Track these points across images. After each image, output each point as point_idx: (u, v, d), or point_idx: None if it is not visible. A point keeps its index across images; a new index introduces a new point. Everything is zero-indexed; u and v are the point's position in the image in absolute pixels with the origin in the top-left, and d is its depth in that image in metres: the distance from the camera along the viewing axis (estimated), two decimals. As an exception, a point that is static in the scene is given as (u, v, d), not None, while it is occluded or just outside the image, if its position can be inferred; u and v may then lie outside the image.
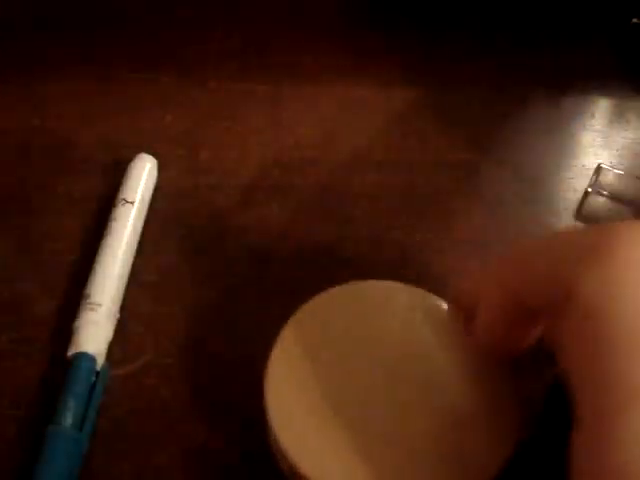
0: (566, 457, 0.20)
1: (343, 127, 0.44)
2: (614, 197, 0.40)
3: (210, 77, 0.46)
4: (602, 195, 0.40)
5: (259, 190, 0.39)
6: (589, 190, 0.40)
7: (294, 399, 0.26)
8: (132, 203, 0.35)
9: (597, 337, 0.20)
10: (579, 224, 0.39)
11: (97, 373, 0.30)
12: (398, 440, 0.25)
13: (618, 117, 0.45)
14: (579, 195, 0.40)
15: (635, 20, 0.50)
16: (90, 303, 0.31)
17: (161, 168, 0.39)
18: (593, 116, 0.46)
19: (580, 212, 0.39)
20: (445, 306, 0.29)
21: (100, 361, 0.30)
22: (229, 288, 0.34)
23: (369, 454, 0.25)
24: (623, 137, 0.44)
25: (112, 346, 0.31)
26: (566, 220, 0.39)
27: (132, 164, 0.38)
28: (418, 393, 0.26)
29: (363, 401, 0.26)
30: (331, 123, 0.44)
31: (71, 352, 0.30)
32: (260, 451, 0.29)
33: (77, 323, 0.31)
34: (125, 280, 0.33)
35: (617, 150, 0.43)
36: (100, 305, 0.31)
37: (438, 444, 0.25)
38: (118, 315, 0.32)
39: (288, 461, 0.25)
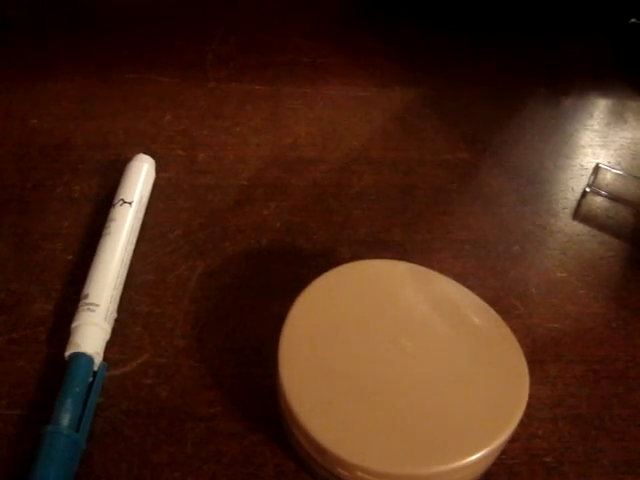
0: None
1: (342, 127, 0.44)
2: (612, 197, 0.40)
3: (209, 77, 0.47)
4: (600, 195, 0.40)
5: (257, 190, 0.39)
6: (587, 190, 0.40)
7: (307, 367, 0.27)
8: (130, 203, 0.35)
9: None
10: (577, 224, 0.39)
11: (94, 373, 0.30)
12: (403, 407, 0.26)
13: (616, 117, 0.45)
14: (577, 195, 0.40)
15: (634, 20, 0.50)
16: (88, 303, 0.31)
17: (159, 168, 0.39)
18: (591, 116, 0.46)
19: (578, 212, 0.39)
20: (446, 280, 0.31)
21: (98, 361, 0.30)
22: (227, 288, 0.34)
23: (376, 421, 0.26)
24: (621, 137, 0.44)
25: (110, 346, 0.31)
26: (564, 220, 0.39)
27: (130, 164, 0.38)
28: (425, 360, 0.28)
29: (372, 369, 0.27)
30: (330, 123, 0.44)
31: (68, 352, 0.30)
32: (261, 450, 0.29)
33: (75, 323, 0.31)
34: (123, 280, 0.33)
35: (615, 150, 0.43)
36: (98, 305, 0.31)
37: (443, 411, 0.26)
38: (116, 315, 0.32)
39: (305, 433, 0.26)
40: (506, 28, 0.53)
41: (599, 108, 0.46)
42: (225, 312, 0.33)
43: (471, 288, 0.30)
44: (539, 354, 0.32)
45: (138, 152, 0.39)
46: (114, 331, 0.32)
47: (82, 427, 0.28)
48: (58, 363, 0.30)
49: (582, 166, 0.42)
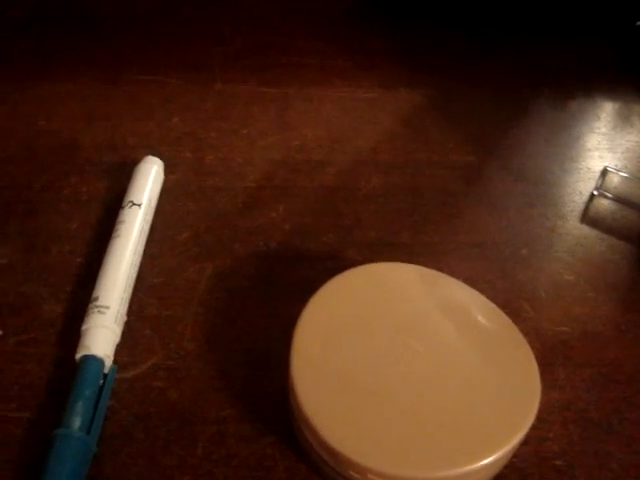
0: None
1: (348, 129, 0.44)
2: (620, 200, 0.40)
3: (216, 79, 0.47)
4: (608, 198, 0.40)
5: (265, 192, 0.39)
6: (595, 193, 0.40)
7: (318, 370, 0.27)
8: (139, 205, 0.35)
9: None
10: (585, 227, 0.39)
11: (105, 376, 0.30)
12: (415, 410, 0.26)
13: (623, 120, 0.45)
14: (585, 198, 0.40)
15: (639, 23, 0.50)
16: (98, 306, 0.31)
17: (167, 170, 0.39)
18: (598, 119, 0.46)
19: (586, 215, 0.39)
20: (456, 283, 0.31)
21: (108, 364, 0.30)
22: (236, 290, 0.34)
23: (388, 424, 0.26)
24: (628, 140, 0.44)
25: (119, 349, 0.31)
26: (572, 223, 0.39)
27: (139, 166, 0.38)
28: (436, 363, 0.28)
29: (384, 372, 0.27)
30: (336, 125, 0.44)
31: (79, 355, 0.30)
32: (271, 453, 0.29)
33: (85, 326, 0.31)
34: (132, 282, 0.33)
35: (622, 153, 0.43)
36: (108, 308, 0.31)
37: (454, 414, 0.26)
38: (126, 318, 0.32)
39: (315, 435, 0.26)
40: (513, 30, 0.53)
41: (606, 111, 0.46)
42: (234, 314, 0.33)
43: (479, 291, 0.30)
44: (548, 357, 0.32)
45: (145, 154, 0.39)
46: (124, 334, 0.32)
47: (93, 430, 0.28)
48: (68, 366, 0.30)
49: (589, 169, 0.42)
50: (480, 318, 0.29)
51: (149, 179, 0.37)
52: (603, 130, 0.45)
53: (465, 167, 0.42)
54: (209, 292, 0.34)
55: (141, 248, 0.35)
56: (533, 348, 0.28)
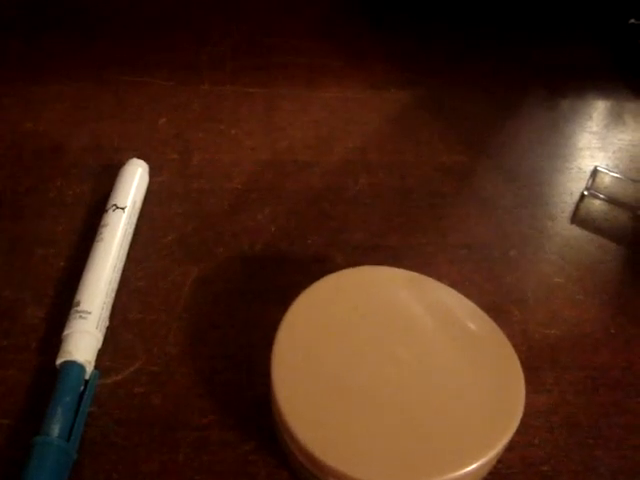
0: None
1: (337, 130, 0.43)
2: (610, 200, 0.39)
3: (203, 80, 0.46)
4: (598, 198, 0.40)
5: (252, 194, 0.39)
6: (585, 193, 0.40)
7: (300, 376, 0.27)
8: (123, 209, 0.35)
9: None
10: (575, 227, 0.38)
11: (86, 382, 0.30)
12: (400, 414, 0.26)
13: (615, 119, 0.45)
14: (575, 198, 0.40)
15: (632, 21, 0.49)
16: (80, 311, 0.31)
17: (153, 172, 0.39)
18: (590, 118, 0.45)
19: (576, 215, 0.39)
20: (441, 287, 0.30)
21: (89, 369, 0.30)
22: (220, 293, 0.34)
23: (370, 430, 0.25)
24: (620, 139, 0.44)
25: (102, 354, 0.31)
26: (562, 224, 0.38)
27: (123, 169, 0.37)
28: (419, 368, 0.27)
29: (366, 378, 0.27)
30: (325, 126, 0.44)
31: (60, 361, 0.29)
32: (254, 459, 0.28)
33: (66, 331, 0.30)
34: (115, 286, 0.33)
35: (613, 152, 0.43)
36: (90, 313, 0.31)
37: (438, 420, 0.26)
38: (108, 323, 0.32)
39: (296, 442, 0.25)
40: (504, 29, 0.52)
41: (597, 110, 0.46)
42: (218, 319, 0.33)
43: (467, 293, 0.30)
44: (536, 360, 0.32)
45: (132, 156, 0.38)
46: (106, 338, 0.31)
47: (73, 437, 0.28)
48: (49, 371, 0.30)
49: (580, 169, 0.42)
50: (465, 323, 0.29)
51: (133, 182, 0.37)
52: (595, 129, 0.44)
53: (454, 168, 0.41)
54: (193, 296, 0.34)
55: (124, 252, 0.34)
56: (520, 351, 0.28)
